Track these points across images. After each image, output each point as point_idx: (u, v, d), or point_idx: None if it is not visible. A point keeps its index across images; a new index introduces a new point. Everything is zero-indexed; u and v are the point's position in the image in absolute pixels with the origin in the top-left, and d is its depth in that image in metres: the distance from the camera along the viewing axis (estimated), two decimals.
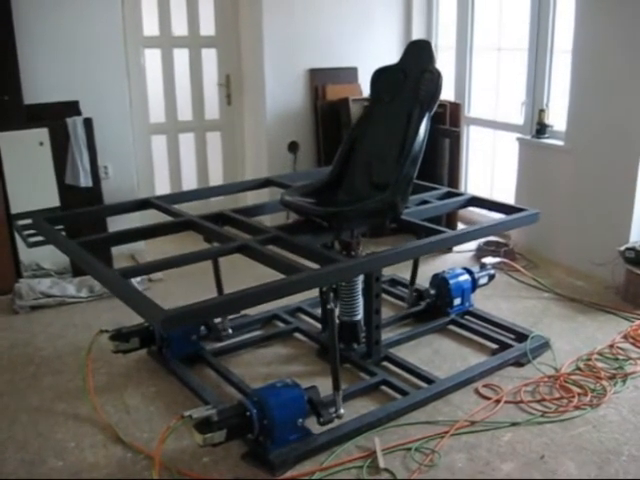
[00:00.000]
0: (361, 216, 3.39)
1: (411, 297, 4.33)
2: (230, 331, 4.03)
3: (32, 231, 3.49)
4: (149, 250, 5.26)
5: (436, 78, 3.44)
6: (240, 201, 5.74)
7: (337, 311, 3.48)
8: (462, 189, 5.88)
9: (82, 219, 4.14)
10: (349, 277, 3.49)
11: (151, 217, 3.94)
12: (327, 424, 3.05)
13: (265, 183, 4.36)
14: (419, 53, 3.62)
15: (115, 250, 4.97)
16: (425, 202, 3.91)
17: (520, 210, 3.75)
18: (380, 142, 3.63)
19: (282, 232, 3.33)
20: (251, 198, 5.71)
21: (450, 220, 5.57)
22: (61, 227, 3.94)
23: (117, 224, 4.34)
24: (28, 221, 3.54)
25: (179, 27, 5.99)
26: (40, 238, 3.46)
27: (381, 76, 3.77)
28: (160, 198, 3.99)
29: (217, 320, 4.01)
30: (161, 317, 2.41)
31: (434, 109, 3.46)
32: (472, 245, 5.53)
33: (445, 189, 4.21)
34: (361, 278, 3.69)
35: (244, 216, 3.64)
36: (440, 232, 3.39)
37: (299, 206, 3.49)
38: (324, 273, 2.87)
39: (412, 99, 3.50)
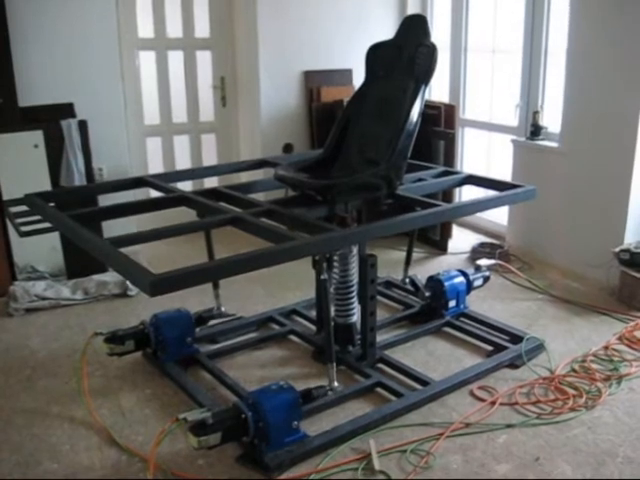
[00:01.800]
0: (355, 189, 3.38)
1: (406, 274, 4.31)
2: (223, 309, 4.02)
3: (24, 219, 3.43)
4: (144, 252, 5.24)
5: (431, 52, 3.44)
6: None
7: (332, 310, 3.48)
8: (457, 191, 5.89)
9: (74, 196, 4.09)
10: (342, 246, 3.42)
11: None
12: (321, 397, 3.06)
13: (260, 164, 4.35)
14: (414, 28, 3.63)
15: None
16: (421, 180, 3.91)
17: (517, 187, 3.75)
18: (375, 118, 3.63)
19: (276, 205, 3.32)
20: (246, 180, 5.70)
21: (446, 201, 5.54)
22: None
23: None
24: (20, 208, 3.48)
25: (174, 29, 5.98)
26: (32, 227, 3.39)
27: (376, 52, 3.78)
28: (154, 176, 3.96)
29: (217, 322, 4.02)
30: (149, 280, 2.39)
31: (429, 83, 3.46)
32: (467, 247, 5.54)
33: (441, 168, 4.19)
34: (356, 279, 3.69)
35: (238, 192, 3.62)
36: (436, 206, 3.38)
37: (293, 180, 3.49)
38: (316, 241, 2.87)
39: (407, 74, 3.51)
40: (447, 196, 5.52)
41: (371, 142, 3.58)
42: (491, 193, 3.78)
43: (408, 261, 4.25)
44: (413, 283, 4.28)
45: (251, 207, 3.29)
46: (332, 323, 3.24)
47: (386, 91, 3.61)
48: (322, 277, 3.12)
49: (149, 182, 3.80)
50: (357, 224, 3.64)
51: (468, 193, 5.35)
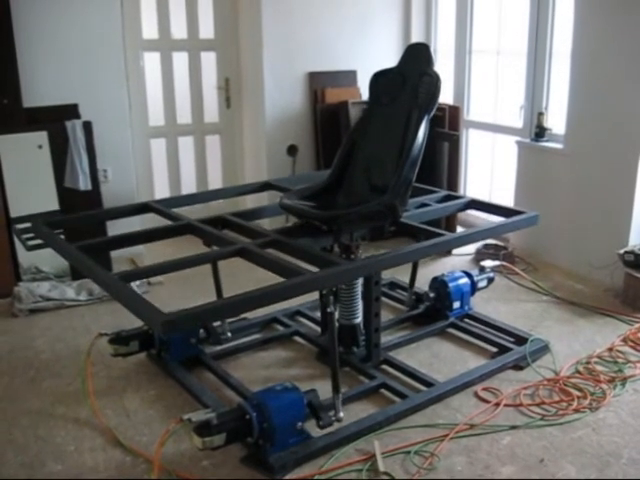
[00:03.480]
0: (360, 219, 3.39)
1: (410, 300, 4.35)
2: (229, 334, 4.03)
3: (31, 234, 3.48)
4: (148, 254, 5.26)
5: (435, 81, 3.44)
6: (239, 205, 5.75)
7: (337, 314, 3.47)
8: (461, 193, 5.89)
9: (81, 223, 4.14)
10: (349, 280, 3.50)
11: (150, 221, 3.95)
12: (327, 427, 3.06)
13: (264, 187, 4.37)
14: (417, 56, 3.63)
15: (114, 254, 4.96)
16: (424, 205, 3.91)
17: (519, 213, 3.75)
18: (379, 145, 3.63)
19: (281, 235, 3.33)
20: (250, 202, 5.72)
21: (449, 223, 5.58)
22: (60, 231, 3.94)
23: (116, 228, 4.34)
24: (27, 225, 3.53)
25: (178, 30, 6.00)
26: (39, 241, 3.45)
27: (380, 79, 3.78)
28: (159, 202, 3.99)
29: (216, 323, 4.02)
30: (161, 320, 2.41)
31: (433, 112, 3.46)
32: (471, 248, 5.53)
33: (444, 192, 4.22)
34: (360, 281, 3.69)
35: (243, 220, 3.64)
36: (439, 235, 3.40)
37: (298, 209, 3.50)
38: (324, 276, 2.88)
39: (411, 102, 3.50)
40: (450, 219, 5.53)
41: (376, 169, 3.59)
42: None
43: (412, 284, 4.28)
44: (419, 298, 4.30)
45: (257, 236, 3.32)
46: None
47: (390, 119, 3.62)
48: (329, 310, 3.11)
49: (154, 208, 3.83)
50: (360, 250, 3.65)
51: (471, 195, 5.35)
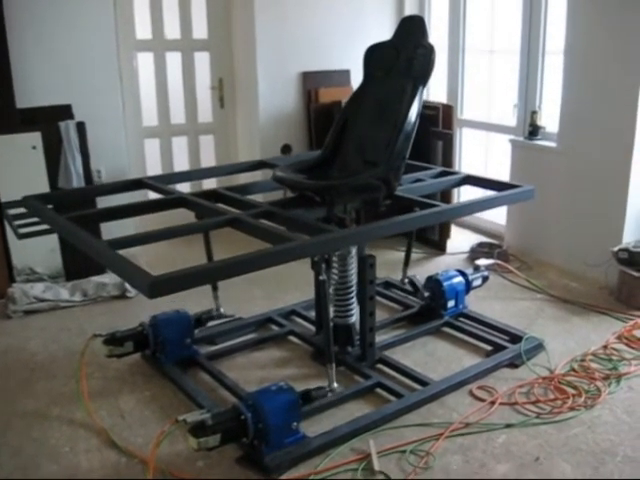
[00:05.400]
0: (354, 190, 3.37)
1: (405, 274, 4.32)
2: (222, 310, 4.01)
3: (22, 221, 3.42)
4: (143, 254, 5.24)
5: (429, 53, 3.44)
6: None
7: (331, 311, 3.48)
8: (455, 191, 5.89)
9: (73, 198, 4.10)
10: (340, 247, 3.42)
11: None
12: (320, 398, 3.08)
13: (258, 165, 4.35)
14: (412, 29, 3.62)
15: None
16: (419, 180, 3.90)
17: (516, 187, 3.74)
18: (372, 121, 3.62)
19: (274, 207, 3.32)
20: (244, 182, 5.71)
21: (444, 202, 5.54)
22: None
23: None
24: (19, 210, 3.47)
25: (172, 30, 5.99)
26: (31, 229, 3.39)
27: (374, 53, 3.78)
28: (153, 178, 3.96)
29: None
30: (148, 282, 2.39)
31: (427, 84, 3.46)
32: (466, 247, 5.54)
33: (439, 168, 4.19)
34: (355, 280, 3.69)
35: (237, 194, 3.62)
36: (434, 206, 3.37)
37: (292, 181, 3.48)
38: (315, 242, 2.87)
39: (405, 75, 3.51)
40: (445, 196, 5.52)
41: (369, 143, 3.58)
42: (490, 193, 3.78)
43: (407, 262, 4.25)
44: (412, 283, 4.27)
45: (250, 208, 3.29)
46: (331, 324, 3.23)
47: (384, 92, 3.61)
48: (321, 278, 3.12)
49: (147, 184, 3.80)
50: (356, 225, 3.64)
51: (467, 193, 5.36)
